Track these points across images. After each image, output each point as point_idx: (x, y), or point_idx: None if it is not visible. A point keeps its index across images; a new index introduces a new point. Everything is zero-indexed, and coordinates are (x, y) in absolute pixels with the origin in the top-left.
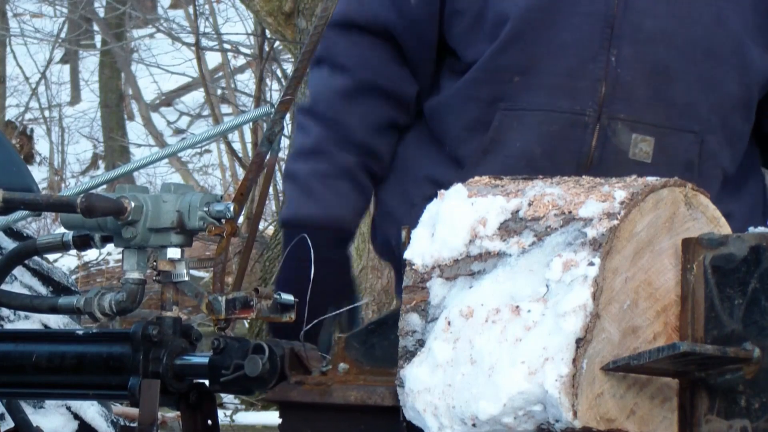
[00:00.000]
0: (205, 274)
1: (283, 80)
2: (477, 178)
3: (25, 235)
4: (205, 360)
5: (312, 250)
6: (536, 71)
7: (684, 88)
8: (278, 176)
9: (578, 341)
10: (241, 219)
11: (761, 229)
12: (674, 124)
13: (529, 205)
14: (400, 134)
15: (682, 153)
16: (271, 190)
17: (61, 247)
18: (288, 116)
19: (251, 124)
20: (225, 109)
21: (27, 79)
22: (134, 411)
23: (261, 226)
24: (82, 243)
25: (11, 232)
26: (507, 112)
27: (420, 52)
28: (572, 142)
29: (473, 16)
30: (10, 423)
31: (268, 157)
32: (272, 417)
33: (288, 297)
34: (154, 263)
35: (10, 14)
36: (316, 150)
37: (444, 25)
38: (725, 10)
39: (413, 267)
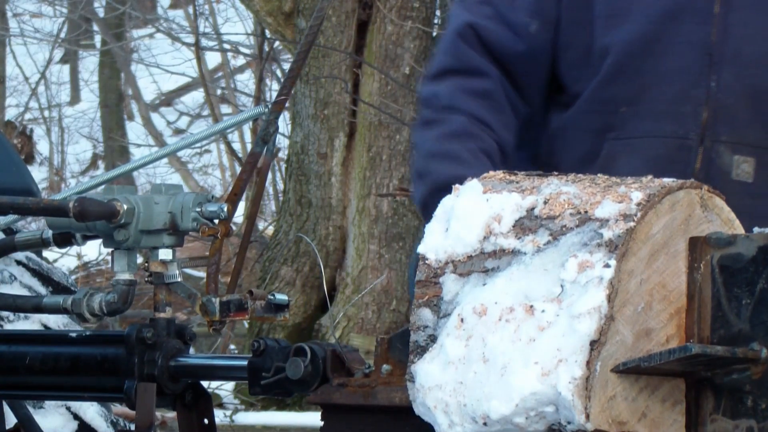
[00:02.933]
0: (202, 274)
1: (282, 80)
2: (492, 172)
3: (13, 230)
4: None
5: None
6: (642, 100)
7: None
8: (278, 177)
9: (592, 343)
10: (240, 219)
11: None
12: None
13: (545, 203)
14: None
15: None
16: (270, 190)
17: (41, 243)
18: (288, 116)
19: (251, 123)
20: (225, 109)
21: (27, 79)
22: (134, 412)
23: (260, 226)
24: (63, 240)
25: (8, 231)
26: (615, 141)
27: (534, 79)
28: (678, 165)
29: (581, 49)
30: (9, 423)
31: (263, 157)
32: (272, 417)
33: (282, 297)
34: (146, 264)
35: (9, 14)
36: (464, 131)
37: (554, 58)
38: None
39: (426, 261)
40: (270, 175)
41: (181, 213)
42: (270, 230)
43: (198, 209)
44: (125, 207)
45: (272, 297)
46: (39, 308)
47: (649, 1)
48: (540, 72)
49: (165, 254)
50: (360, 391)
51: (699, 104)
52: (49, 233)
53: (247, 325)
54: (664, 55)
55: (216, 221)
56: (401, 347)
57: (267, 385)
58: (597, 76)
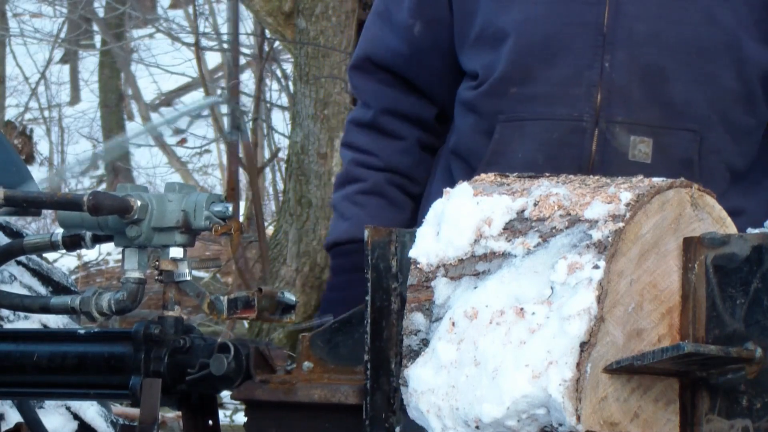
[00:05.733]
0: (205, 274)
1: (282, 80)
2: (483, 175)
3: (15, 231)
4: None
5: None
6: (532, 82)
7: (679, 87)
8: (278, 177)
9: (582, 345)
10: (241, 218)
11: (764, 229)
12: (671, 124)
13: (535, 205)
14: (432, 154)
15: (681, 152)
16: (270, 190)
17: (50, 246)
18: (288, 116)
19: (251, 123)
20: (225, 108)
21: (27, 79)
22: (134, 411)
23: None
24: (72, 243)
25: (9, 232)
26: (507, 123)
27: (428, 78)
28: (573, 148)
29: (476, 33)
30: (9, 423)
31: (241, 142)
32: None
33: (290, 297)
34: (156, 263)
35: (9, 14)
36: (347, 177)
37: (456, 48)
38: (715, 8)
39: (418, 266)
40: (270, 175)
41: (194, 211)
42: (270, 230)
43: (210, 209)
44: (139, 203)
45: (281, 295)
46: (47, 308)
47: None
48: (432, 70)
49: (176, 252)
50: (281, 387)
51: (592, 85)
52: (58, 236)
53: (247, 325)
54: (555, 37)
55: (225, 220)
56: (322, 345)
57: (192, 381)
58: (490, 58)
